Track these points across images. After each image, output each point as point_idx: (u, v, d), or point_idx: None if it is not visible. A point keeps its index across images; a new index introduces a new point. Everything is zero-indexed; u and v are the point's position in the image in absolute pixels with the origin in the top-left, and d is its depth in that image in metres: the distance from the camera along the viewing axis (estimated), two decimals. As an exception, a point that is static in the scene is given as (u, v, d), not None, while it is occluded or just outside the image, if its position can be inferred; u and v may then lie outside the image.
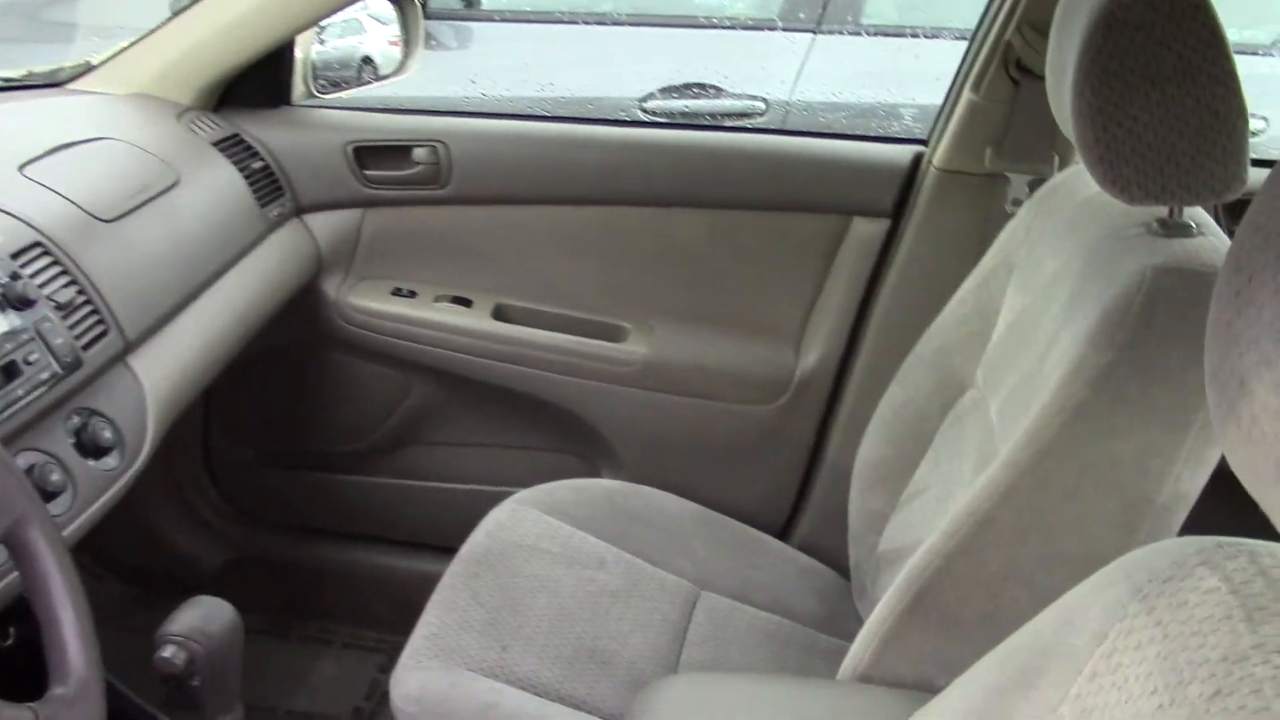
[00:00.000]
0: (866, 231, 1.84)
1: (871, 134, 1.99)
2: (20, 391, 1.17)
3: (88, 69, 1.83)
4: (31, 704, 0.86)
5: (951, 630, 1.15)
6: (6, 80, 1.83)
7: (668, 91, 2.47)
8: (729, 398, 1.89)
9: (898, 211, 1.82)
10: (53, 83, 1.84)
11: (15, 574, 0.94)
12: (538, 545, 1.58)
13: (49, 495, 1.16)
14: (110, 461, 1.27)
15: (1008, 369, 1.32)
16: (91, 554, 2.12)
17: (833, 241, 1.86)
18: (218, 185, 1.72)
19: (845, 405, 1.86)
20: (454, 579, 1.52)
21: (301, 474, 2.16)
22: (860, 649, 1.20)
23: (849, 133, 1.97)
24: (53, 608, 0.89)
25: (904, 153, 1.84)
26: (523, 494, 1.70)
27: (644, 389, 1.90)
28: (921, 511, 1.45)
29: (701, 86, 2.37)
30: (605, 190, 1.90)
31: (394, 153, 1.90)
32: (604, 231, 1.91)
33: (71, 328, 1.27)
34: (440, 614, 1.45)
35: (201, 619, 1.20)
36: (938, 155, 1.77)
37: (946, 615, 1.15)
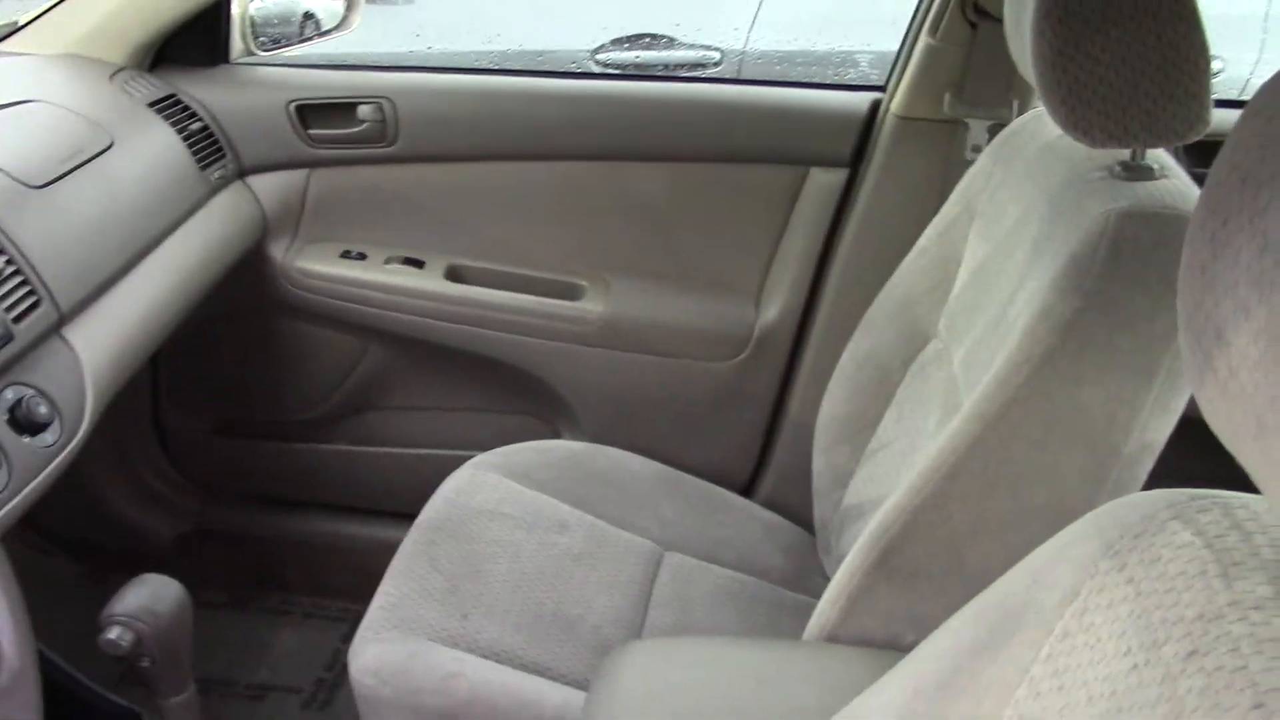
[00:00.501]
0: (825, 182, 1.80)
1: (828, 82, 1.94)
2: (-54, 367, 1.12)
3: (14, 29, 1.76)
4: None
5: (919, 586, 1.13)
6: (-71, 44, 1.75)
7: (619, 42, 2.41)
8: (689, 354, 1.86)
9: (856, 161, 1.79)
10: (-24, 45, 1.77)
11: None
12: (498, 510, 1.55)
13: (-19, 476, 1.12)
14: (47, 437, 1.22)
15: (971, 319, 1.30)
16: (39, 530, 2.07)
17: (791, 193, 1.82)
18: (154, 148, 1.66)
19: (807, 360, 1.83)
20: (412, 547, 1.49)
21: (256, 443, 2.11)
22: (827, 608, 1.18)
23: (805, 81, 1.92)
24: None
25: (861, 100, 1.80)
26: (482, 457, 1.66)
27: (602, 348, 1.86)
28: (885, 466, 1.43)
29: (654, 37, 2.32)
30: (558, 145, 1.85)
31: (338, 110, 1.85)
32: (558, 188, 1.87)
33: (1, 299, 1.22)
34: (398, 583, 1.42)
35: (148, 598, 1.17)
36: (895, 102, 1.73)
37: (914, 571, 1.13)
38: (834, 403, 1.56)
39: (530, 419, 2.02)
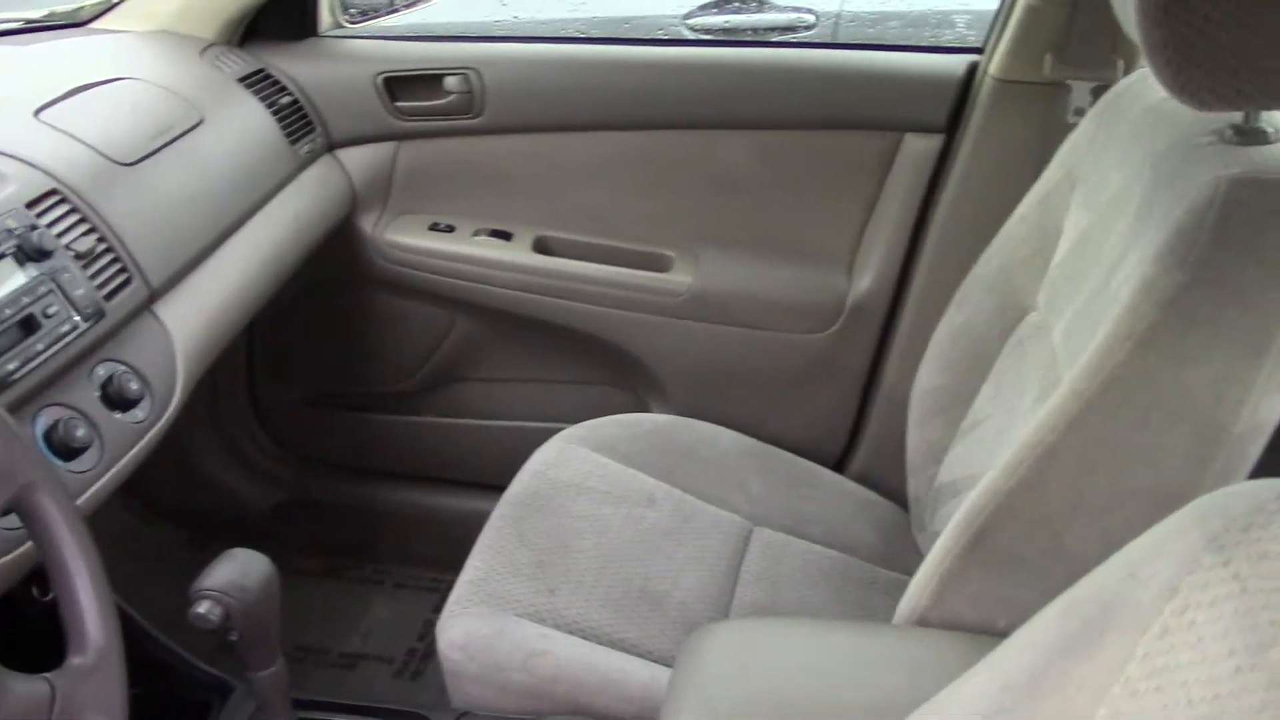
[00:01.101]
0: (920, 148, 1.75)
1: (923, 44, 1.88)
2: (40, 346, 1.14)
3: (109, 7, 1.78)
4: (48, 674, 0.83)
5: (1014, 569, 1.09)
6: (28, 21, 1.78)
7: (709, 6, 2.36)
8: (779, 326, 1.82)
9: (952, 126, 1.73)
10: (74, 22, 1.79)
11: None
12: (585, 484, 1.54)
13: (74, 451, 1.13)
14: (138, 414, 1.24)
15: (1072, 291, 1.25)
16: (143, 499, 2.12)
17: (885, 159, 1.77)
18: (244, 123, 1.67)
19: (901, 331, 1.78)
20: (500, 521, 1.48)
21: (348, 414, 2.13)
22: (918, 590, 1.14)
23: (900, 44, 1.86)
24: (67, 575, 0.86)
25: (958, 63, 1.74)
26: (569, 431, 1.65)
27: (691, 320, 1.83)
28: (981, 442, 1.39)
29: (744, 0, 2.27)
30: (646, 114, 1.82)
31: (425, 82, 1.84)
32: (646, 157, 1.84)
33: (92, 278, 1.24)
34: (486, 558, 1.42)
35: (237, 573, 1.17)
36: (994, 64, 1.67)
37: (1008, 554, 1.09)
38: (929, 376, 1.52)
39: (618, 392, 2.00)
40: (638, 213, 1.88)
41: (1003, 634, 1.03)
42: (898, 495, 1.61)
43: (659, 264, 1.86)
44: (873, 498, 1.69)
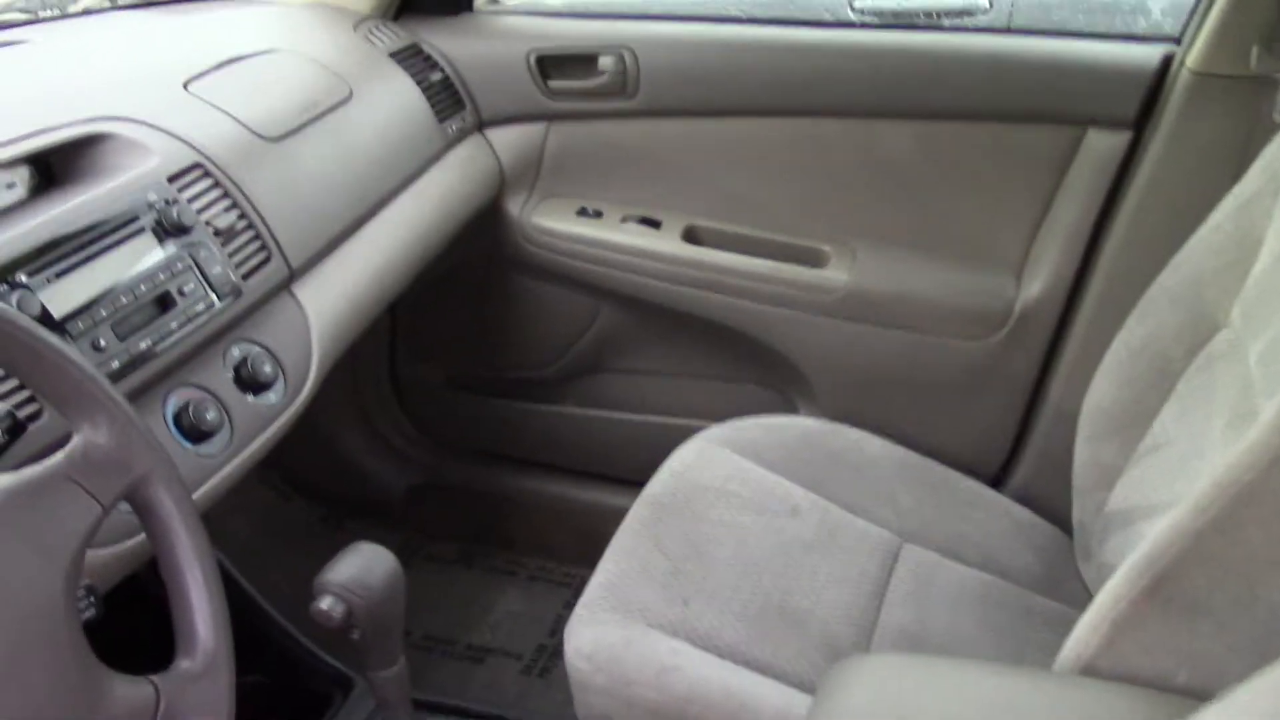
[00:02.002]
0: (1104, 145, 1.62)
1: (1113, 32, 1.74)
2: (174, 325, 1.11)
3: (267, -23, 1.77)
4: (154, 677, 0.80)
5: (1199, 620, 0.98)
6: (190, -9, 1.78)
7: (880, -12, 2.24)
8: (940, 331, 1.72)
9: (1141, 122, 1.59)
10: (232, -7, 1.79)
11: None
12: (725, 488, 1.46)
13: (203, 434, 1.11)
14: (271, 397, 1.21)
15: (1272, 309, 1.12)
16: (282, 474, 2.12)
17: (1064, 156, 1.64)
18: (393, 100, 1.64)
19: (1073, 341, 1.66)
20: (636, 523, 1.42)
21: (488, 399, 2.10)
22: (1086, 633, 1.04)
23: (1087, 31, 1.73)
24: (179, 573, 0.82)
25: (1151, 53, 1.60)
26: (711, 431, 1.58)
27: (845, 319, 1.74)
28: (1161, 469, 1.27)
29: (916, -18, 2.15)
30: (808, 100, 1.73)
31: (578, 62, 1.78)
32: (804, 146, 1.75)
33: (231, 255, 1.21)
34: (619, 561, 1.36)
35: (361, 569, 1.13)
36: (1192, 56, 1.53)
37: (1194, 602, 0.97)
38: (1103, 391, 1.40)
39: (764, 391, 1.92)
40: (793, 204, 1.79)
41: (1182, 690, 0.92)
42: (1060, 518, 1.50)
43: (813, 259, 1.77)
44: (1033, 519, 1.57)
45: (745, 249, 1.78)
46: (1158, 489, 1.25)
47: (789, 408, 1.87)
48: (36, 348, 0.77)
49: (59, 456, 0.78)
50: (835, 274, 1.74)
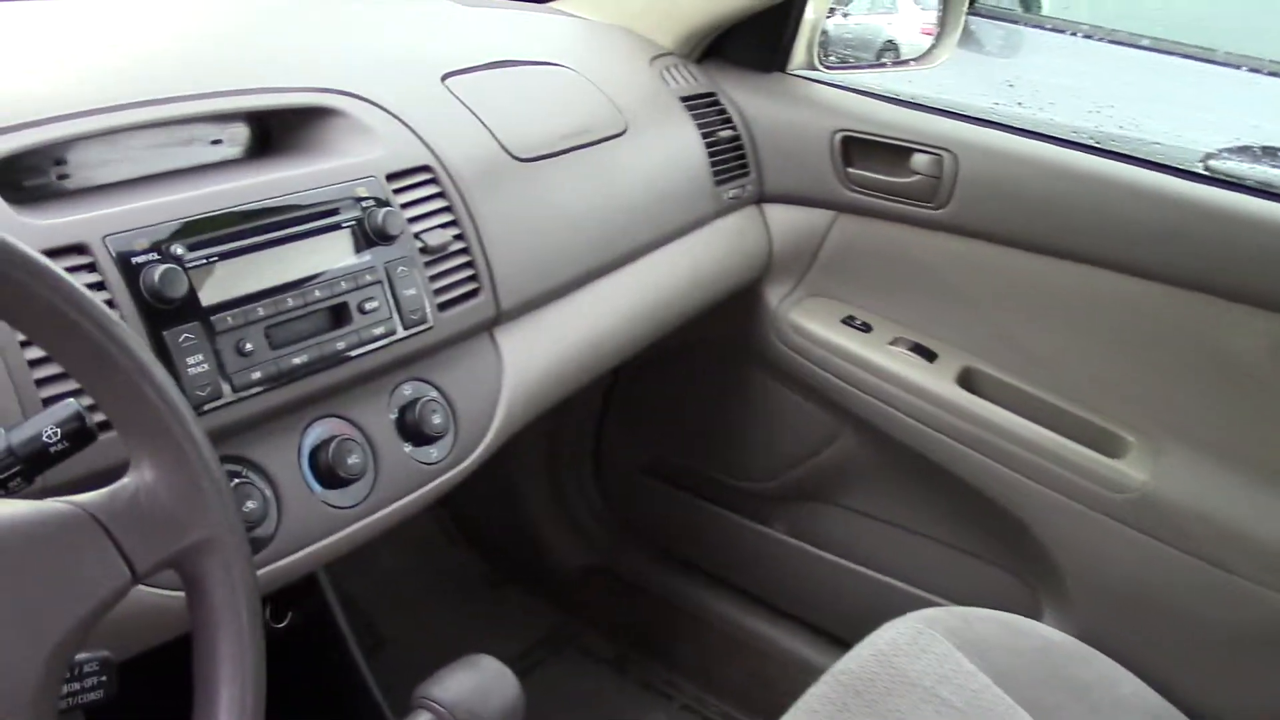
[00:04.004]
0: None
1: None
2: (341, 344, 0.93)
3: (575, -11, 1.61)
4: None
5: None
6: (489, -12, 1.64)
7: (1242, 151, 1.92)
8: (1249, 573, 1.38)
9: None
10: (535, -3, 1.64)
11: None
12: (936, 690, 1.20)
13: (340, 480, 0.92)
14: (433, 452, 1.01)
15: None
16: (451, 512, 1.95)
17: None
18: (671, 148, 1.44)
19: None
20: (818, 703, 1.18)
21: (689, 498, 1.89)
22: None
23: None
24: (212, 682, 0.61)
25: None
26: (934, 612, 1.31)
27: (1133, 528, 1.42)
28: None
29: (1283, 151, 1.84)
30: (1139, 257, 1.43)
31: (889, 153, 1.54)
32: (1124, 309, 1.46)
33: (433, 279, 1.02)
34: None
35: (474, 692, 0.91)
36: None
37: None
38: None
39: (1007, 578, 1.61)
40: (1096, 374, 1.50)
41: None
42: None
43: (1108, 445, 1.47)
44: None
45: (1028, 412, 1.49)
46: None
47: (1031, 608, 1.57)
48: (103, 344, 0.59)
49: (98, 496, 0.58)
50: (1132, 470, 1.43)
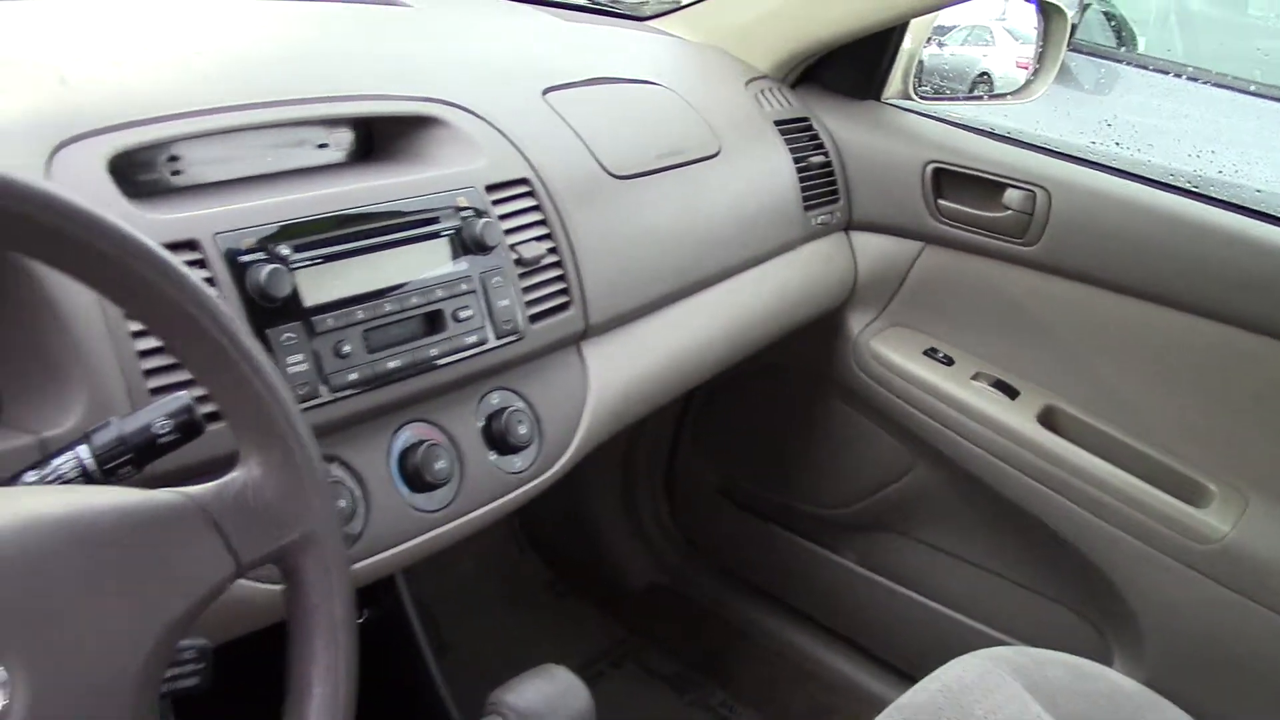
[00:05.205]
0: None
1: None
2: (434, 351, 0.94)
3: (674, 8, 1.63)
4: None
5: None
6: (592, 2, 1.67)
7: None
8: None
9: None
10: (633, 15, 1.66)
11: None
12: (1002, 732, 1.17)
13: (427, 484, 0.93)
14: (517, 462, 1.02)
15: None
16: (524, 525, 1.96)
17: None
18: (763, 171, 1.44)
19: None
20: None
21: (760, 522, 1.88)
22: None
23: None
24: (306, 670, 0.63)
25: None
26: (1002, 651, 1.29)
27: (1214, 580, 1.39)
28: None
29: None
30: (1236, 307, 1.40)
31: (980, 187, 1.53)
32: (1216, 356, 1.43)
33: (526, 290, 1.03)
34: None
35: (549, 701, 0.92)
36: None
37: None
38: None
39: (1077, 620, 1.59)
40: (1182, 422, 1.47)
41: None
42: None
43: (1191, 494, 1.44)
44: None
45: (1110, 455, 1.47)
46: None
47: (1100, 651, 1.54)
48: (222, 343, 0.60)
49: (208, 489, 0.60)
50: (1216, 521, 1.40)
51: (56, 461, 0.64)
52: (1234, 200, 1.44)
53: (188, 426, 0.67)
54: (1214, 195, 1.46)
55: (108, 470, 0.65)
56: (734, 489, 1.91)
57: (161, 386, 0.75)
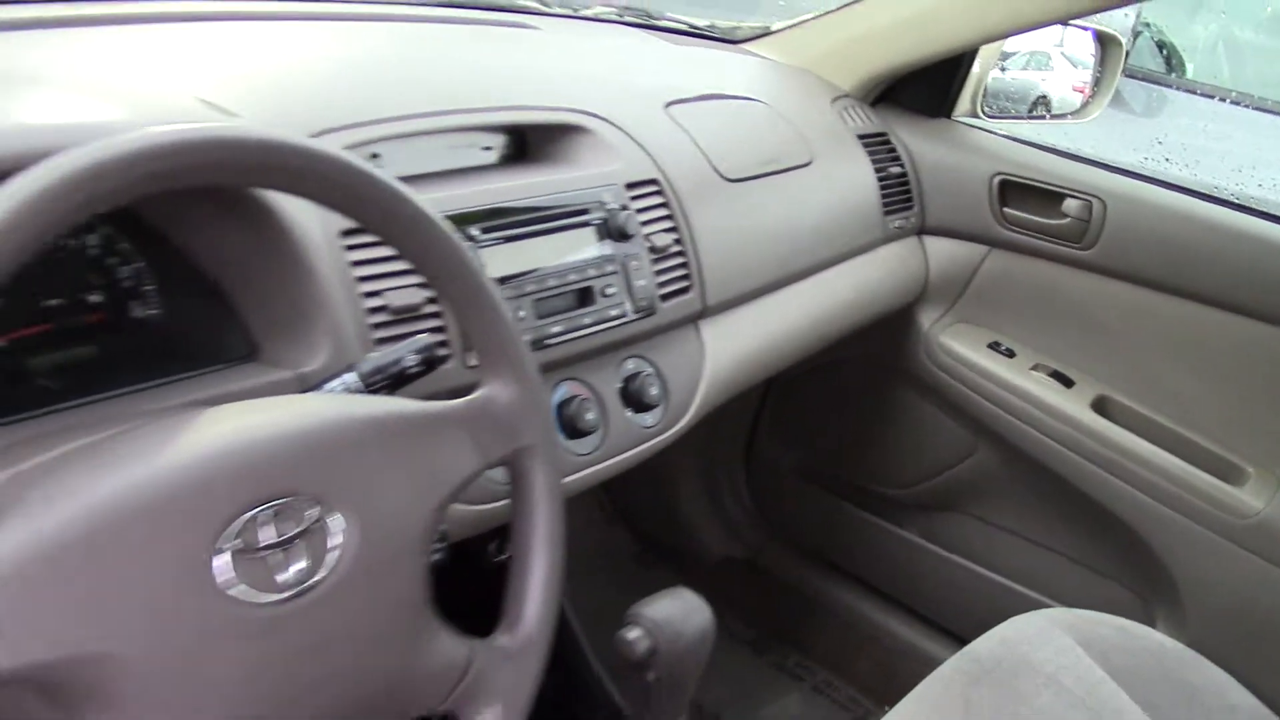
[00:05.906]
0: None
1: None
2: (587, 320, 1.13)
3: (765, 33, 1.81)
4: (473, 641, 0.79)
5: None
6: (692, 27, 1.84)
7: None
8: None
9: None
10: (729, 39, 1.84)
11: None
12: (1057, 677, 1.33)
13: (578, 432, 1.12)
14: (648, 419, 1.20)
15: None
16: (613, 498, 2.14)
17: None
18: (848, 179, 1.62)
19: None
20: (951, 674, 1.31)
21: (833, 500, 2.04)
22: None
23: None
24: (528, 553, 0.81)
25: None
26: (1056, 612, 1.44)
27: (1250, 551, 1.55)
28: None
29: None
30: (1271, 305, 1.57)
31: (1041, 196, 1.70)
32: (1254, 353, 1.59)
33: (658, 274, 1.22)
34: (922, 709, 1.26)
35: (679, 613, 1.10)
36: None
37: None
38: None
39: (1123, 590, 1.75)
40: (1222, 411, 1.63)
41: None
42: None
43: (1229, 474, 1.60)
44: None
45: (1156, 439, 1.63)
46: None
47: (1145, 617, 1.70)
48: (479, 293, 0.79)
49: (461, 403, 0.78)
50: (1251, 498, 1.56)
51: (337, 380, 0.83)
52: (1272, 212, 1.61)
53: (430, 362, 0.85)
54: (1254, 207, 1.62)
55: (372, 392, 0.83)
56: (809, 469, 2.07)
57: (384, 338, 0.94)
